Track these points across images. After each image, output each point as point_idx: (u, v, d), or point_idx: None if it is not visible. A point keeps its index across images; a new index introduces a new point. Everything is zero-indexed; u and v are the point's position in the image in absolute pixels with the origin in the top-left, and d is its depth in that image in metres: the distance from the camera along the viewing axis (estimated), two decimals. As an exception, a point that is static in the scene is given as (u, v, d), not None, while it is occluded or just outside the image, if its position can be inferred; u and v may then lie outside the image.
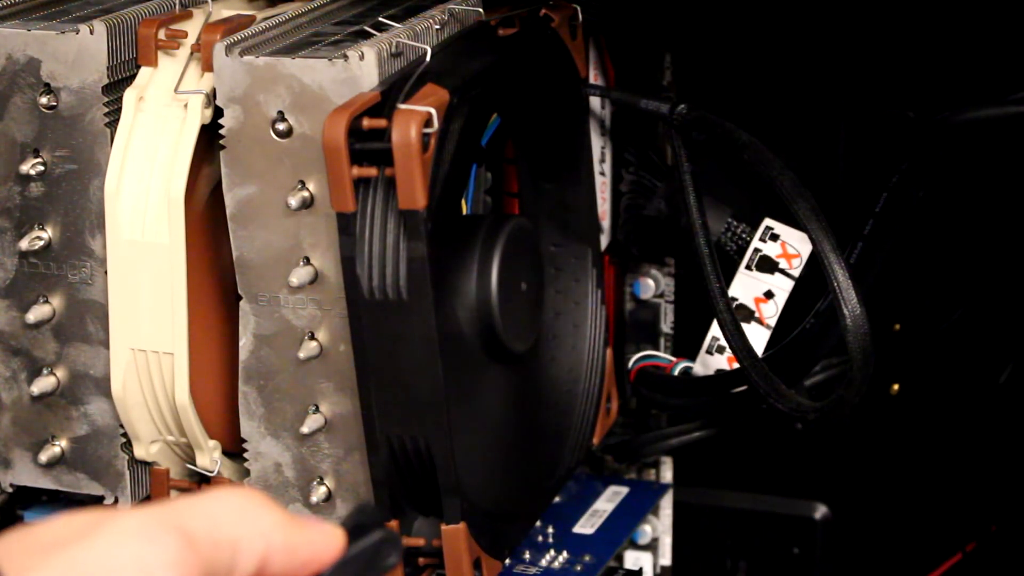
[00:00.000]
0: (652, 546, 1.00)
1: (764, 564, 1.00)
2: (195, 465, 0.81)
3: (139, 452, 0.81)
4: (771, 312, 0.91)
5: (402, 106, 0.70)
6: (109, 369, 0.79)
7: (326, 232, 0.75)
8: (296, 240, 0.76)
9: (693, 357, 0.93)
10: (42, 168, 0.78)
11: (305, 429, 0.77)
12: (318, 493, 0.79)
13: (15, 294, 0.80)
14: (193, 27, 0.79)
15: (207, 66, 0.76)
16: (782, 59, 0.92)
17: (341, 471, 0.79)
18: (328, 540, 0.52)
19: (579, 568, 0.88)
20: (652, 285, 0.99)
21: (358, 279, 0.72)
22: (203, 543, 0.49)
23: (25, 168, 0.78)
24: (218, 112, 0.76)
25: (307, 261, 0.76)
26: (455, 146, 0.74)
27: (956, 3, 0.90)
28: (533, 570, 0.88)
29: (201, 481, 0.82)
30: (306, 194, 0.75)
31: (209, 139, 0.77)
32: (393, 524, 0.76)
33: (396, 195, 0.70)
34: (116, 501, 0.81)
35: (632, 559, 0.99)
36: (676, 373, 0.93)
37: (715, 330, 0.92)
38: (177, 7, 0.82)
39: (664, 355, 0.96)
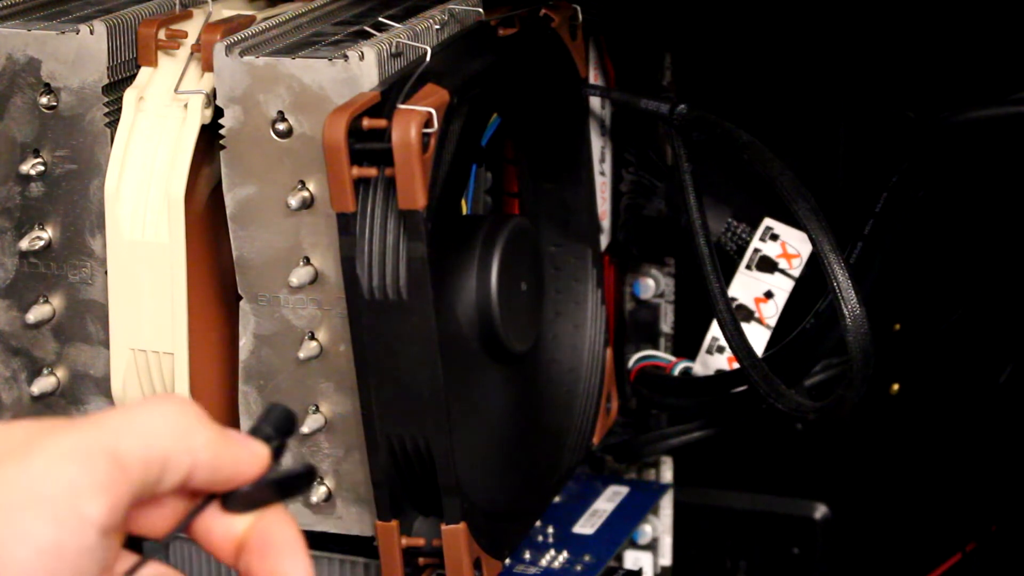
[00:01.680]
0: (652, 546, 1.00)
1: (764, 564, 1.00)
2: (195, 465, 0.81)
3: (139, 452, 0.81)
4: (771, 312, 0.91)
5: (402, 106, 0.70)
6: (109, 369, 0.79)
7: (326, 232, 0.75)
8: (296, 240, 0.76)
9: (693, 357, 0.93)
10: (42, 168, 0.78)
11: (305, 429, 0.77)
12: (318, 493, 0.79)
13: (15, 294, 0.80)
14: (193, 27, 0.79)
15: (207, 66, 0.76)
16: (782, 59, 0.92)
17: (341, 471, 0.79)
18: (252, 459, 0.54)
19: (579, 568, 0.88)
20: (652, 285, 0.99)
21: (358, 279, 0.72)
22: (133, 464, 0.51)
23: (25, 168, 0.78)
24: (218, 112, 0.76)
25: (307, 261, 0.76)
26: (455, 146, 0.74)
27: (956, 3, 0.90)
28: (533, 570, 0.88)
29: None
30: (306, 194, 0.75)
31: (209, 139, 0.77)
32: (393, 524, 0.76)
33: (396, 195, 0.70)
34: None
35: (632, 559, 0.99)
36: (676, 373, 0.93)
37: (715, 330, 0.92)
38: (177, 7, 0.82)
39: (664, 355, 0.96)
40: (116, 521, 0.50)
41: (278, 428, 0.56)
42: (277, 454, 0.55)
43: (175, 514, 0.54)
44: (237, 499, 0.54)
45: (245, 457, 0.54)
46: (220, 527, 0.55)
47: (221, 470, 0.53)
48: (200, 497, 0.54)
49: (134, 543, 0.54)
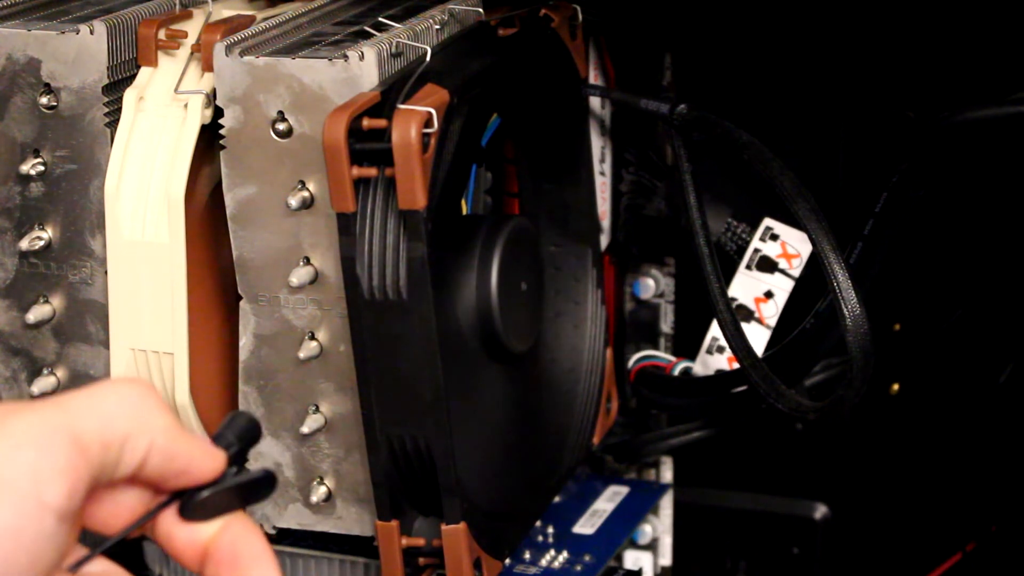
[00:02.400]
0: (652, 546, 1.00)
1: (764, 564, 0.99)
2: (195, 465, 0.81)
3: (139, 452, 0.81)
4: (771, 312, 0.91)
5: (402, 106, 0.70)
6: (109, 369, 0.79)
7: (326, 232, 0.75)
8: (296, 240, 0.76)
9: (693, 357, 0.93)
10: (42, 168, 0.78)
11: (305, 429, 0.77)
12: (318, 493, 0.79)
13: (15, 294, 0.80)
14: (193, 27, 0.79)
15: (207, 66, 0.76)
16: (782, 59, 0.92)
17: (341, 471, 0.79)
18: (208, 459, 0.54)
19: (579, 568, 0.88)
20: (652, 285, 0.98)
21: (358, 279, 0.72)
22: (93, 446, 0.51)
23: (25, 168, 0.78)
24: (218, 112, 0.76)
25: (307, 261, 0.76)
26: (455, 146, 0.74)
27: (956, 3, 0.90)
28: (533, 570, 0.88)
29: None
30: (306, 194, 0.75)
31: (209, 139, 0.77)
32: (393, 524, 0.76)
33: (396, 195, 0.70)
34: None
35: (632, 559, 0.99)
36: (676, 373, 0.93)
37: (715, 330, 0.92)
38: (177, 7, 0.82)
39: (664, 355, 0.96)
40: (75, 505, 0.50)
41: (240, 436, 0.55)
42: (236, 460, 0.55)
43: (131, 513, 0.54)
44: (195, 506, 0.54)
45: (199, 453, 0.54)
46: (183, 533, 0.54)
47: (176, 460, 0.53)
48: (159, 498, 0.54)
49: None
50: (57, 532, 0.50)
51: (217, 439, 0.55)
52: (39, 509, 0.49)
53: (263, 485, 0.55)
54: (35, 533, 0.49)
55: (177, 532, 0.54)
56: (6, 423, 0.50)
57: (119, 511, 0.54)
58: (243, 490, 0.55)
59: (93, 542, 0.54)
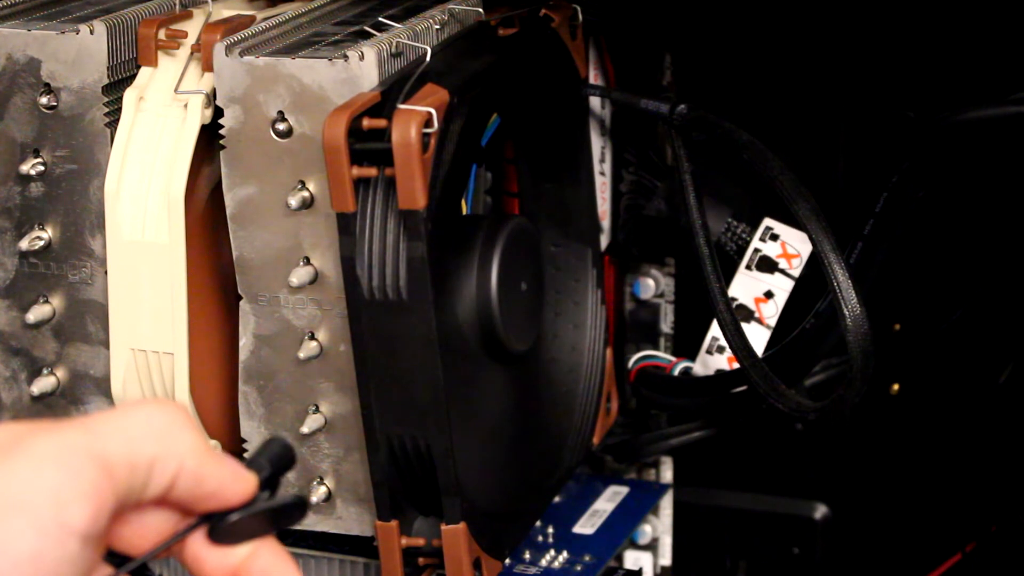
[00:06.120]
0: (652, 546, 1.00)
1: (764, 564, 0.99)
2: (195, 465, 0.81)
3: (139, 452, 0.80)
4: (771, 312, 0.91)
5: (402, 106, 0.71)
6: (109, 369, 0.79)
7: (326, 232, 0.75)
8: (296, 240, 0.76)
9: (693, 357, 0.93)
10: (42, 168, 0.78)
11: (305, 429, 0.77)
12: (318, 493, 0.79)
13: (15, 294, 0.80)
14: (193, 27, 0.79)
15: (207, 66, 0.76)
16: (782, 59, 0.92)
17: (341, 471, 0.79)
18: (238, 482, 0.53)
19: (579, 568, 0.88)
20: (652, 285, 0.99)
21: (358, 279, 0.72)
22: (120, 469, 0.50)
23: (25, 168, 0.78)
24: (218, 112, 0.76)
25: (307, 261, 0.76)
26: (455, 146, 0.74)
27: (956, 3, 0.90)
28: (533, 570, 0.88)
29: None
30: (306, 194, 0.75)
31: (209, 139, 0.77)
32: (393, 524, 0.76)
33: (396, 195, 0.70)
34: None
35: (632, 559, 0.99)
36: (676, 373, 0.93)
37: (715, 330, 0.92)
38: (177, 7, 0.82)
39: (664, 355, 0.96)
40: (99, 528, 0.49)
41: (273, 460, 0.55)
42: (268, 485, 0.54)
43: (158, 534, 0.53)
44: (224, 530, 0.53)
45: (229, 475, 0.53)
46: (213, 557, 0.54)
47: (205, 482, 0.52)
48: (187, 520, 0.54)
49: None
50: (80, 556, 0.48)
51: (250, 463, 0.54)
52: (62, 532, 0.48)
53: (294, 510, 0.55)
54: (57, 557, 0.48)
55: (206, 555, 0.54)
56: (29, 443, 0.49)
57: (146, 532, 0.53)
58: (274, 515, 0.54)
59: (118, 561, 0.53)
